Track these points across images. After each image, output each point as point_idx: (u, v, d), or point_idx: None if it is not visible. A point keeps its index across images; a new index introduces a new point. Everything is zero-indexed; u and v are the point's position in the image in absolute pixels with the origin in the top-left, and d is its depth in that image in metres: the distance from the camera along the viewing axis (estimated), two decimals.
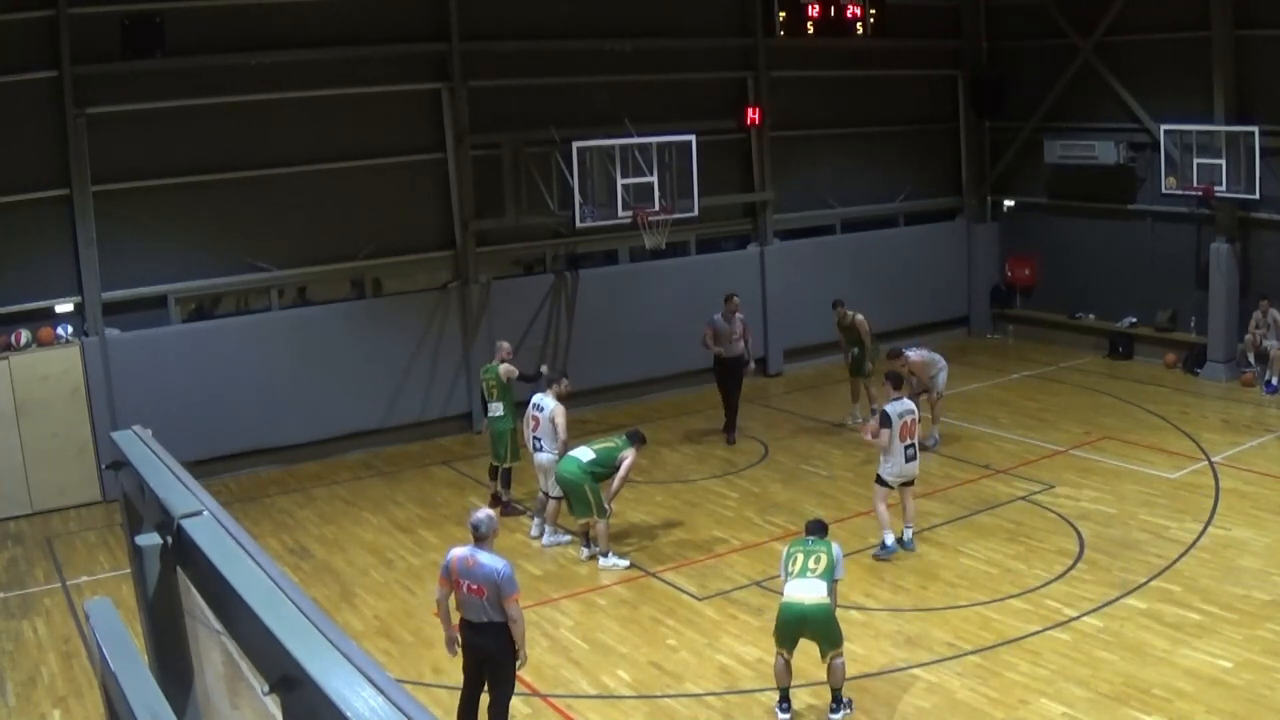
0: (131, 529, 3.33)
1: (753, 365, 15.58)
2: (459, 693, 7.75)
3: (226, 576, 2.32)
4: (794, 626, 7.97)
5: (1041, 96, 19.17)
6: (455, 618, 7.54)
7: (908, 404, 11.08)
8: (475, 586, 7.28)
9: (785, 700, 8.14)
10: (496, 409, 12.65)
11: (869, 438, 11.17)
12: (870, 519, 11.35)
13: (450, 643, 7.68)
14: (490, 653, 7.46)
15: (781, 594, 8.09)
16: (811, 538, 8.29)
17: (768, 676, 8.72)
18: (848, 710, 8.16)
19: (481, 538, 7.42)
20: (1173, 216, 17.72)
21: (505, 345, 12.98)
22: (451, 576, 7.39)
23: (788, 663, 8.04)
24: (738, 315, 15.03)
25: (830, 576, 7.97)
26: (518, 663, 7.54)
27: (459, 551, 7.47)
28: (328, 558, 11.77)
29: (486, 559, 7.32)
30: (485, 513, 7.67)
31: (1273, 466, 12.94)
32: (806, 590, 7.93)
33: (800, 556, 8.08)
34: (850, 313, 15.38)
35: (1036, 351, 19.29)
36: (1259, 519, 11.42)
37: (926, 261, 20.03)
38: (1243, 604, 9.50)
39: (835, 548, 8.19)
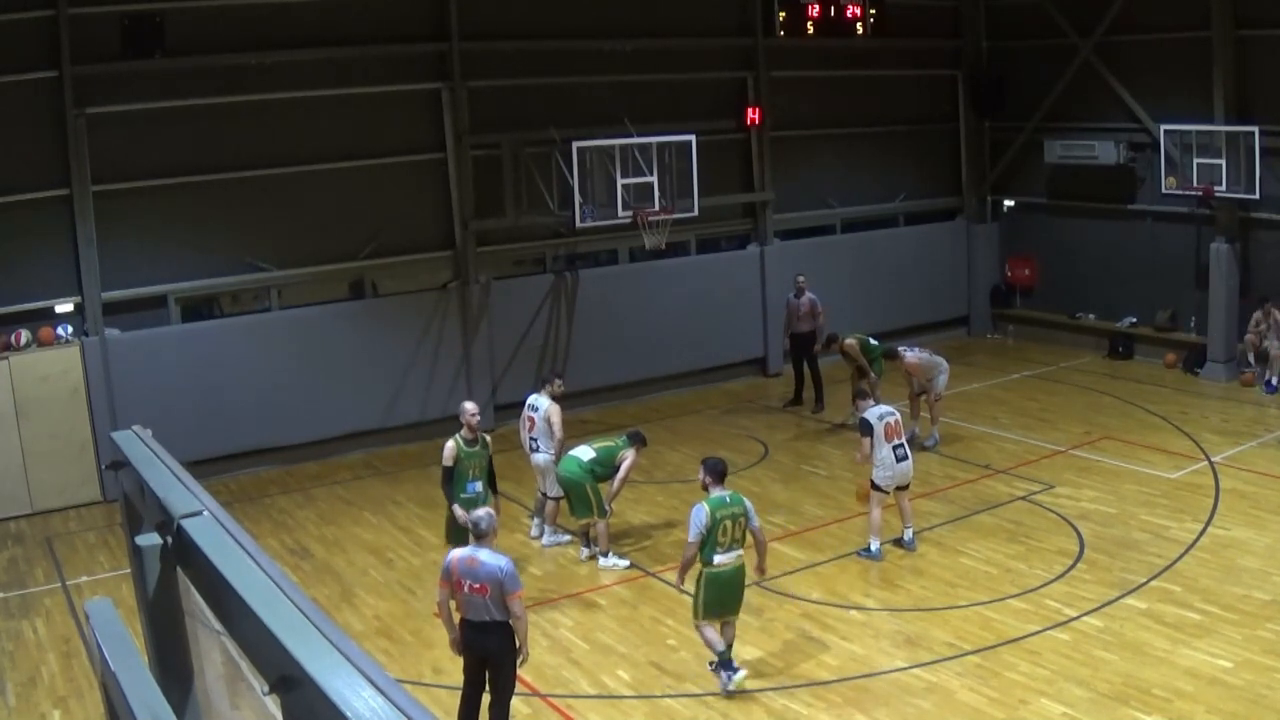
0: (131, 529, 3.34)
1: (819, 346, 16.24)
2: (460, 692, 7.75)
3: (226, 576, 2.32)
4: (727, 589, 8.51)
5: (1041, 96, 19.16)
6: (456, 618, 7.55)
7: (885, 407, 11.24)
8: (478, 586, 7.28)
9: (729, 661, 8.54)
10: (477, 487, 10.22)
11: (859, 459, 11.22)
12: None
13: (455, 644, 7.68)
14: (492, 652, 7.47)
15: (712, 564, 8.43)
16: (726, 494, 8.59)
17: (768, 676, 8.75)
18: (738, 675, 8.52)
19: (481, 535, 7.43)
20: (1173, 216, 17.71)
21: (471, 406, 10.46)
22: (452, 577, 7.38)
23: (718, 627, 8.58)
24: (806, 294, 16.35)
25: (744, 537, 8.55)
26: (520, 660, 7.54)
27: (460, 552, 7.47)
28: (328, 558, 11.77)
29: (488, 557, 7.32)
30: (485, 511, 7.67)
31: (1273, 466, 12.94)
32: (736, 557, 8.52)
33: (729, 525, 8.44)
34: (841, 340, 15.47)
35: (1036, 351, 19.29)
36: (1259, 519, 11.42)
37: (926, 261, 20.03)
38: (1243, 604, 9.50)
39: (746, 500, 8.66)
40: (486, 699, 7.65)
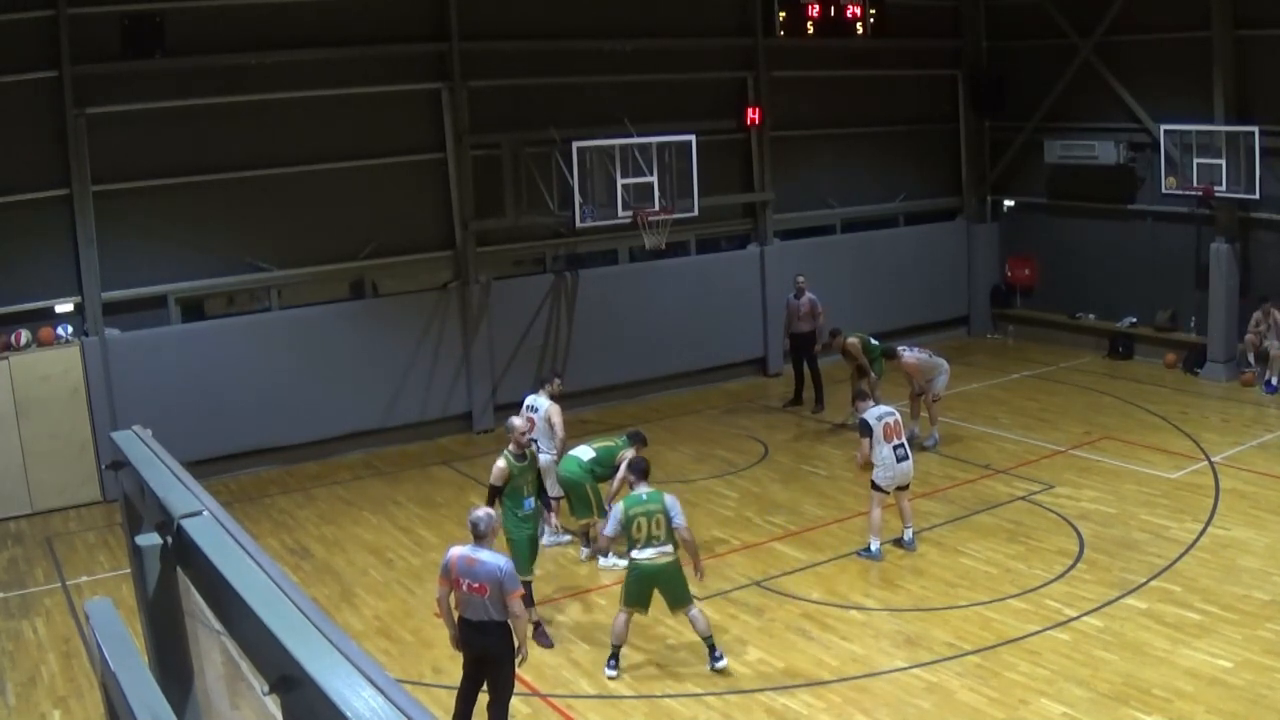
0: (131, 529, 3.34)
1: (819, 346, 16.25)
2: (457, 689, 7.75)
3: (226, 576, 2.32)
4: (646, 584, 8.73)
5: (1041, 96, 19.16)
6: (456, 615, 7.55)
7: (885, 408, 11.30)
8: (477, 585, 7.28)
9: (615, 658, 8.88)
10: (532, 504, 9.90)
11: (860, 460, 11.22)
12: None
13: (454, 639, 7.70)
14: (491, 651, 7.47)
15: (630, 557, 8.76)
16: (644, 492, 8.81)
17: (768, 676, 8.75)
18: (722, 661, 8.75)
19: (481, 536, 7.43)
20: (1173, 216, 17.71)
21: (520, 423, 10.03)
22: (451, 575, 7.39)
23: (629, 620, 8.86)
24: (806, 295, 16.32)
25: (673, 537, 8.66)
26: (518, 660, 7.54)
27: (459, 550, 7.47)
28: (328, 558, 11.77)
29: (488, 557, 7.33)
30: (484, 511, 7.67)
31: (1273, 466, 12.94)
32: (658, 552, 8.66)
33: (643, 522, 8.62)
34: (843, 338, 15.47)
35: (1036, 351, 19.28)
36: (1259, 519, 11.42)
37: (926, 261, 20.03)
38: (1243, 604, 9.50)
39: (667, 498, 8.77)
40: (484, 699, 7.66)
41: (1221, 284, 16.76)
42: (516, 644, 7.46)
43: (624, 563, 11.02)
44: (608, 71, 16.51)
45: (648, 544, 8.63)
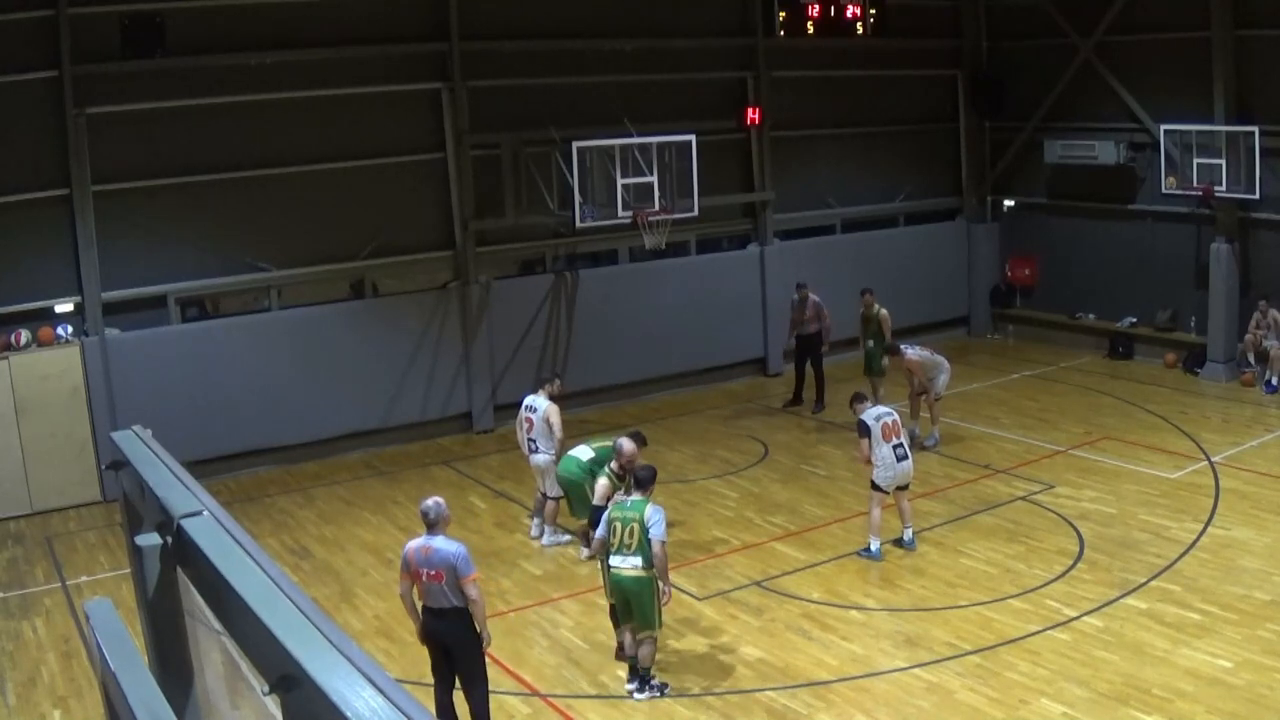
0: (131, 529, 3.34)
1: (826, 347, 16.41)
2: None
3: (226, 576, 2.32)
4: (617, 593, 8.56)
5: (1041, 96, 19.16)
6: (419, 607, 7.69)
7: (883, 407, 11.34)
8: (434, 573, 7.44)
9: (633, 670, 8.67)
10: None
11: (860, 457, 11.24)
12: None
13: (420, 633, 7.82)
14: (454, 638, 7.59)
15: (609, 563, 8.59)
16: (631, 498, 8.68)
17: (768, 676, 8.75)
18: (655, 694, 8.51)
19: (432, 524, 7.57)
20: (1173, 216, 17.71)
21: (630, 448, 9.97)
22: (411, 567, 7.54)
23: (622, 644, 8.74)
24: (810, 299, 16.30)
25: (645, 551, 8.35)
26: (484, 644, 7.66)
27: (415, 542, 7.63)
28: (328, 558, 11.77)
29: (442, 544, 7.48)
30: (433, 500, 7.74)
31: (1273, 466, 12.93)
32: (624, 562, 8.45)
33: (618, 528, 8.49)
34: (877, 305, 15.46)
35: (1036, 351, 19.28)
36: (1259, 519, 11.42)
37: (926, 261, 20.02)
38: (1243, 604, 9.50)
39: (650, 510, 8.46)
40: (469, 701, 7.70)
41: (1221, 284, 16.76)
42: (478, 629, 7.58)
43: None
44: (608, 71, 16.52)
45: (618, 551, 8.44)
